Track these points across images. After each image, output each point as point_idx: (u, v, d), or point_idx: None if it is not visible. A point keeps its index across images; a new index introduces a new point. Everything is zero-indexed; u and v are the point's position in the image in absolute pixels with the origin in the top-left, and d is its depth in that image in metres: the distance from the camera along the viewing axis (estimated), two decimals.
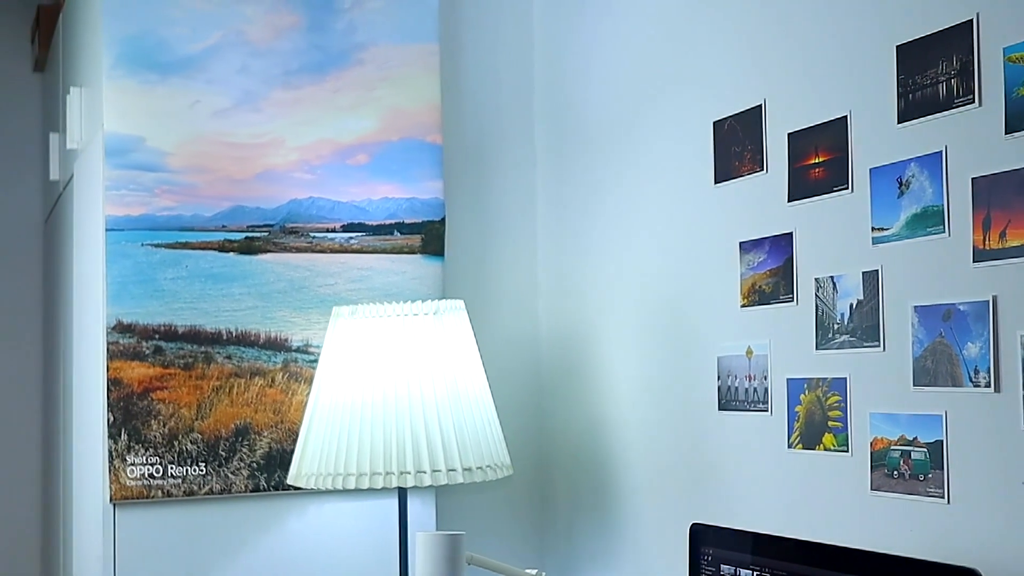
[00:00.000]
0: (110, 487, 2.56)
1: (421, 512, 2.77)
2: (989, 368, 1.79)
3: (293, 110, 2.74)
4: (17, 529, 4.07)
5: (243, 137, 2.71)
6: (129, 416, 2.58)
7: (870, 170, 2.01)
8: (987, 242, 1.79)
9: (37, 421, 4.09)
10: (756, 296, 2.28)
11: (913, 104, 1.93)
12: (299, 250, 2.75)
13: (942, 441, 1.87)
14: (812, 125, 2.15)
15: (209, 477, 2.62)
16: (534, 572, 2.30)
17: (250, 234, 2.72)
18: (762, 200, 2.27)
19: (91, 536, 2.73)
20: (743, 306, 2.32)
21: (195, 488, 2.61)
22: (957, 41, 1.85)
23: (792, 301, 2.19)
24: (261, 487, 2.65)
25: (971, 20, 1.82)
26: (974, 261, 1.82)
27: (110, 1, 2.63)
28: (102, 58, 2.63)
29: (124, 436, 2.58)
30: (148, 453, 2.59)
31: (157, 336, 2.62)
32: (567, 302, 2.95)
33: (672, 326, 2.54)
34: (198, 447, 2.62)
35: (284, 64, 2.74)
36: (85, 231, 2.89)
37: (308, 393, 2.60)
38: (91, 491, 2.74)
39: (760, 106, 2.28)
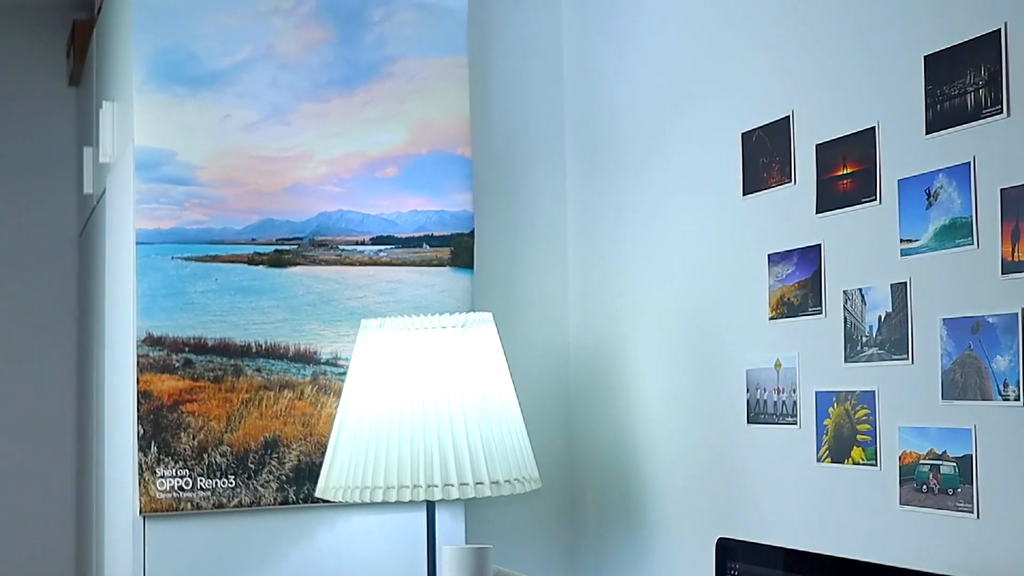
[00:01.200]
0: (140, 500, 2.57)
1: (450, 525, 2.76)
2: (1018, 381, 1.76)
3: (322, 123, 2.75)
4: (52, 541, 4.09)
5: (272, 150, 2.72)
6: (159, 429, 2.59)
7: (898, 181, 2.00)
8: (1016, 254, 1.77)
9: (72, 433, 4.12)
10: (784, 308, 2.26)
11: (941, 115, 1.91)
12: (328, 263, 2.76)
13: (971, 455, 1.84)
14: (840, 136, 2.13)
15: (238, 490, 2.63)
16: None
17: (279, 247, 2.73)
18: (790, 212, 2.26)
19: (122, 548, 2.74)
20: (771, 318, 2.30)
21: (224, 501, 2.62)
22: (985, 51, 1.83)
23: (821, 313, 2.17)
24: (290, 500, 2.66)
25: (999, 30, 1.81)
26: (1003, 273, 1.80)
27: (141, 16, 2.65)
28: (133, 72, 2.65)
29: (154, 449, 2.59)
30: (178, 466, 2.60)
31: (187, 349, 2.63)
32: (596, 314, 2.94)
33: (701, 338, 2.52)
34: (227, 460, 2.63)
35: (313, 77, 2.75)
36: (117, 244, 2.91)
37: (337, 406, 2.60)
38: (122, 503, 2.75)
39: (788, 117, 2.27)
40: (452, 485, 2.37)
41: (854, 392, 2.09)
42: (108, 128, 3.01)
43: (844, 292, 2.12)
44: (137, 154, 2.63)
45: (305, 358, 2.71)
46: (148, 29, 2.65)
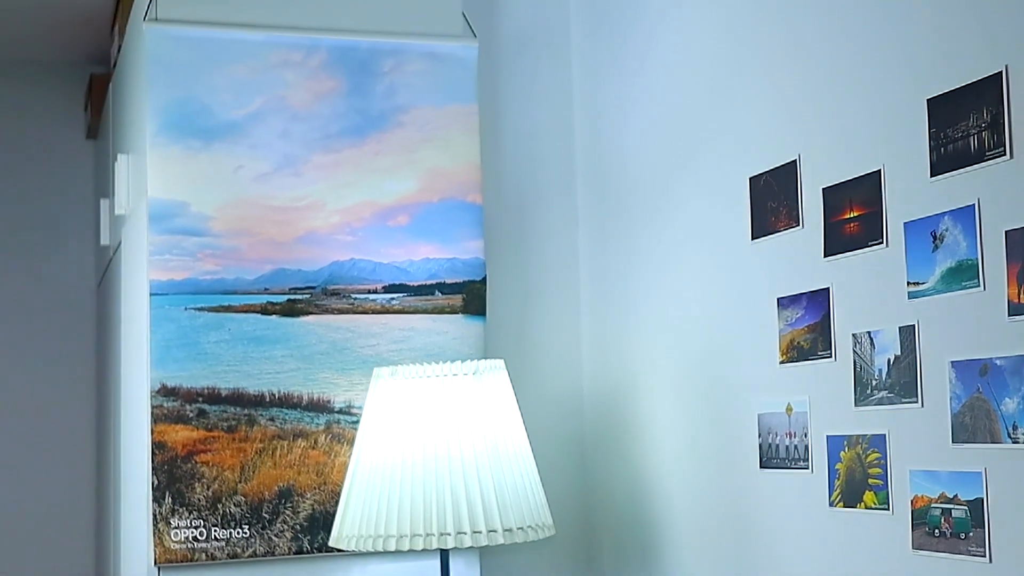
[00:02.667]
0: (154, 550, 2.58)
1: (465, 573, 2.75)
2: None
3: (334, 173, 2.77)
4: None
5: (284, 200, 2.74)
6: (173, 479, 2.60)
7: (904, 224, 2.00)
8: (1022, 296, 1.77)
9: (91, 483, 4.13)
10: (795, 352, 2.26)
11: (945, 157, 1.91)
12: (341, 312, 2.77)
13: (982, 499, 1.83)
14: (846, 180, 2.14)
15: (253, 539, 2.63)
16: None
17: (292, 296, 2.74)
18: (799, 255, 2.26)
19: None
20: (782, 362, 2.30)
21: (239, 551, 2.62)
22: (987, 93, 1.83)
23: (830, 357, 2.17)
24: (304, 549, 2.66)
25: (1000, 72, 1.81)
26: (1009, 315, 1.79)
27: (154, 70, 2.68)
28: (146, 125, 2.67)
29: (168, 499, 2.59)
30: (192, 516, 2.60)
31: (201, 399, 2.64)
32: (609, 360, 2.94)
33: (713, 383, 2.52)
34: (242, 510, 2.63)
35: (325, 128, 2.77)
36: (132, 296, 2.93)
37: (351, 454, 2.60)
38: (136, 554, 2.76)
39: (795, 161, 2.27)
40: (465, 533, 2.37)
41: (865, 436, 2.08)
42: (123, 180, 3.03)
43: (853, 335, 2.11)
44: (151, 206, 2.66)
45: (318, 407, 2.71)
46: (161, 83, 2.68)
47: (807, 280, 2.23)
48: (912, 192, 1.99)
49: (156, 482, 2.59)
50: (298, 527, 2.66)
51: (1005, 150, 1.80)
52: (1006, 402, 1.79)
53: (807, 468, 2.22)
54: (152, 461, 2.60)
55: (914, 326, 1.97)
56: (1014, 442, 1.78)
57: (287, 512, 2.66)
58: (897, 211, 2.02)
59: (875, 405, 2.06)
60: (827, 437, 2.17)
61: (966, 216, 1.87)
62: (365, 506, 2.42)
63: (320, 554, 2.67)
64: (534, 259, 3.06)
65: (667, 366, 2.69)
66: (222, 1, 2.74)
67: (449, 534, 2.36)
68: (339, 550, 2.58)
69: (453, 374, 2.45)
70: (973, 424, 1.85)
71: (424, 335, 2.81)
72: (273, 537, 2.64)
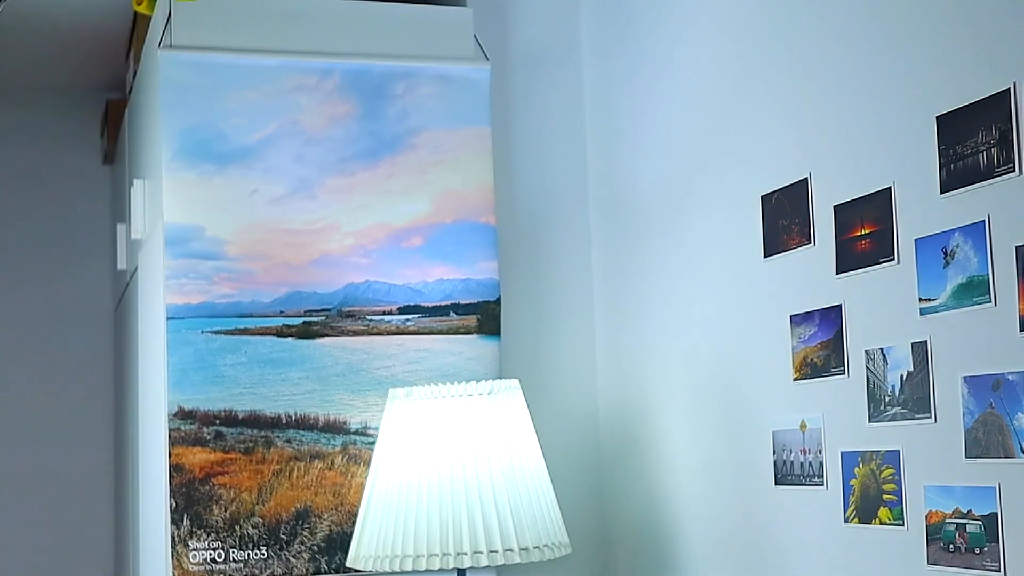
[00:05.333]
0: (173, 573, 2.59)
1: None
2: None
3: (348, 196, 2.79)
4: None
5: (299, 224, 2.76)
6: (191, 502, 2.62)
7: (915, 241, 2.01)
8: None
9: (109, 507, 4.15)
10: (808, 369, 2.27)
11: (955, 174, 1.92)
12: (356, 333, 2.79)
13: (997, 513, 1.84)
14: (857, 197, 2.15)
15: (271, 561, 2.64)
16: None
17: (308, 319, 2.76)
18: (811, 273, 2.27)
19: None
20: (796, 379, 2.31)
21: (257, 572, 2.63)
22: (995, 110, 1.84)
23: (843, 374, 2.18)
24: (322, 570, 2.67)
25: (1008, 89, 1.82)
26: (1021, 330, 1.80)
27: (169, 96, 2.70)
28: (162, 151, 2.69)
29: (186, 522, 2.61)
30: (210, 538, 2.61)
31: (218, 422, 2.66)
32: (624, 378, 2.95)
33: (727, 401, 2.53)
34: (259, 531, 2.64)
35: (339, 151, 2.80)
36: (148, 320, 2.95)
37: (367, 475, 2.61)
38: None
39: (806, 179, 2.29)
40: (482, 552, 2.38)
41: (879, 452, 2.09)
42: (139, 205, 3.06)
43: (866, 352, 2.12)
44: (166, 230, 2.68)
45: (335, 428, 2.73)
46: (176, 108, 2.70)
47: (819, 297, 2.24)
48: (922, 209, 2.00)
49: (174, 504, 2.61)
50: (315, 548, 2.67)
51: (1014, 166, 1.81)
52: (1019, 416, 1.80)
53: (822, 484, 2.23)
54: (170, 484, 2.62)
55: (926, 342, 1.98)
56: None
57: (304, 533, 2.67)
58: (908, 228, 2.03)
59: (889, 421, 2.06)
60: (841, 453, 2.18)
61: (976, 232, 1.88)
62: (382, 526, 2.44)
63: (338, 575, 2.68)
64: (548, 279, 3.08)
65: (681, 384, 2.70)
66: (236, 27, 2.76)
67: (466, 553, 2.37)
68: (356, 570, 2.59)
69: (468, 394, 2.47)
70: (986, 439, 1.86)
71: (439, 356, 2.82)
72: (291, 558, 2.65)
